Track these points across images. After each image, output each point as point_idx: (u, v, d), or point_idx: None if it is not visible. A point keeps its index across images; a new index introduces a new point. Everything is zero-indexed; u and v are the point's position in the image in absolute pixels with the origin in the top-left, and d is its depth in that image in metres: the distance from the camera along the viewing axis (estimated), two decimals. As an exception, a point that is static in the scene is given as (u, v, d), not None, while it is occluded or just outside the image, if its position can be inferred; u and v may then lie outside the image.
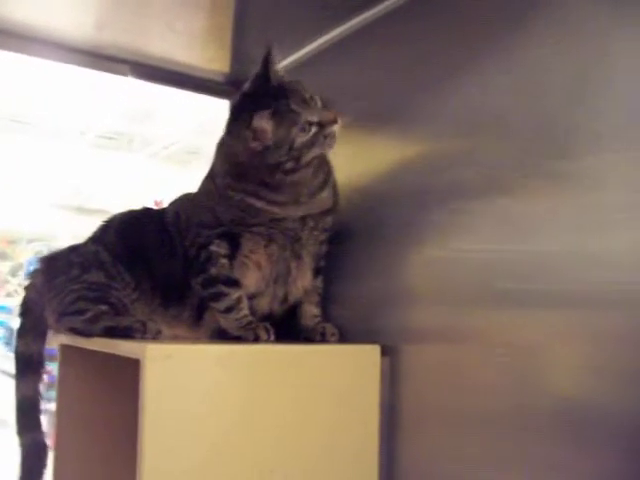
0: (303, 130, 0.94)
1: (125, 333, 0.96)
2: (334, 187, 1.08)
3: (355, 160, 1.17)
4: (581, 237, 0.77)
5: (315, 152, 0.96)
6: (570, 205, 0.79)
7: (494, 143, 0.90)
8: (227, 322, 1.02)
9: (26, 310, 1.13)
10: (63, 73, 4.23)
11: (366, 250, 1.11)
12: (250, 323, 1.02)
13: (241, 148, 0.96)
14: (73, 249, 1.12)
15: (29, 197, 6.51)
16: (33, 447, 1.09)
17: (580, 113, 0.79)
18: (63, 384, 1.17)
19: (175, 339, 1.05)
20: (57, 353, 1.17)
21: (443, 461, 0.94)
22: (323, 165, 1.04)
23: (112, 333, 0.98)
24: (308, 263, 1.08)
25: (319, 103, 0.98)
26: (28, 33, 1.29)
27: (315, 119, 0.95)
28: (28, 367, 1.12)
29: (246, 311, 1.03)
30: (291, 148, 0.94)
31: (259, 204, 1.00)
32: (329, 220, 1.07)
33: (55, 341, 1.15)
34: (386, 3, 1.11)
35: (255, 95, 0.99)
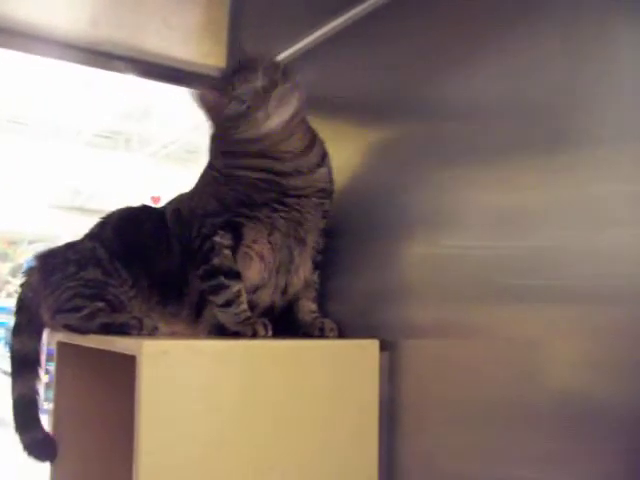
0: (232, 103, 1.00)
1: (121, 330, 0.96)
2: (331, 171, 1.09)
3: (353, 153, 1.17)
4: (580, 231, 0.76)
5: (242, 129, 1.00)
6: (568, 199, 0.78)
7: (493, 136, 0.89)
8: (225, 317, 1.02)
9: (22, 308, 1.12)
10: (60, 73, 4.23)
11: (365, 245, 1.11)
12: (248, 318, 1.01)
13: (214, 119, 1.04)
14: (69, 246, 1.11)
15: (30, 198, 6.53)
16: (33, 445, 1.09)
17: (577, 105, 0.78)
18: (60, 381, 1.16)
19: (173, 336, 1.05)
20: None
21: (443, 455, 0.93)
22: (316, 143, 1.07)
23: (108, 330, 0.97)
24: (310, 250, 1.08)
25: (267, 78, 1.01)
26: (22, 30, 1.29)
27: (243, 96, 0.99)
28: (24, 365, 1.11)
29: (245, 306, 1.02)
30: (223, 117, 1.01)
31: (258, 175, 1.01)
32: (327, 203, 1.07)
33: (53, 340, 1.15)
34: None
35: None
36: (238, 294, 1.01)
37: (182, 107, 4.48)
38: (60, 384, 1.17)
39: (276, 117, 0.99)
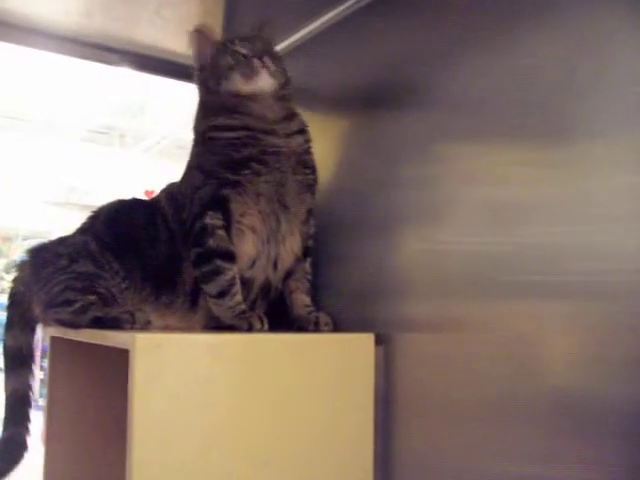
0: (228, 55, 1.06)
1: (113, 324, 0.95)
2: (311, 146, 1.11)
3: (347, 147, 1.16)
4: (575, 227, 0.76)
5: (233, 78, 1.05)
6: (563, 194, 0.78)
7: (487, 131, 0.89)
8: (220, 310, 1.01)
9: (14, 303, 1.12)
10: (54, 69, 4.21)
11: (360, 238, 1.10)
12: (244, 312, 1.01)
13: (200, 90, 1.11)
14: (61, 241, 1.10)
15: (24, 194, 6.50)
16: (10, 441, 1.08)
17: (571, 100, 0.77)
18: (54, 376, 1.16)
19: (166, 329, 1.04)
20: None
21: (439, 450, 0.93)
22: (296, 117, 1.10)
23: (100, 324, 0.96)
24: (296, 221, 1.08)
25: (261, 47, 1.08)
26: (15, 21, 1.27)
27: (242, 50, 1.06)
28: (17, 361, 1.11)
29: (239, 297, 1.01)
30: (215, 67, 1.07)
31: (236, 134, 1.04)
32: (311, 179, 1.09)
33: (47, 336, 1.14)
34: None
35: None
36: (232, 282, 1.01)
37: (176, 103, 4.46)
38: (53, 379, 1.16)
39: (263, 78, 1.05)
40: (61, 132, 5.81)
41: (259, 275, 1.06)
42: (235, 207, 1.02)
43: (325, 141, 1.12)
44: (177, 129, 5.21)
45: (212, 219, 1.01)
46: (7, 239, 7.33)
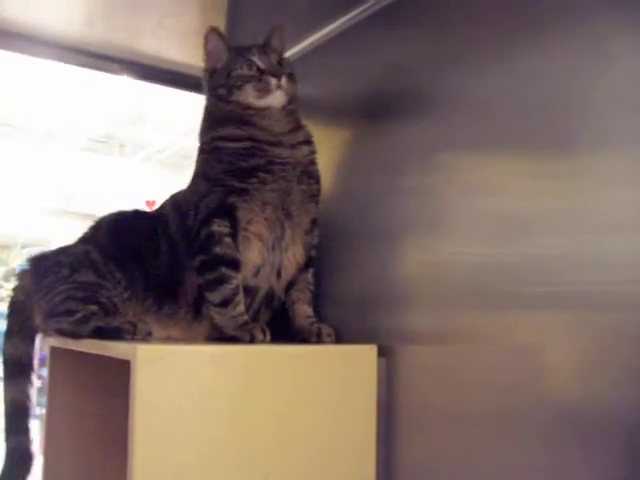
0: (244, 65, 1.05)
1: (114, 334, 0.94)
2: (315, 157, 1.11)
3: (350, 157, 1.16)
4: (579, 238, 0.76)
5: (247, 92, 1.04)
6: (567, 205, 0.77)
7: (492, 141, 0.88)
8: (223, 319, 1.00)
9: (14, 311, 1.11)
10: (54, 77, 4.21)
11: (362, 249, 1.10)
12: (246, 323, 1.00)
13: (208, 95, 1.11)
14: (62, 250, 1.10)
15: (23, 202, 6.50)
16: (16, 451, 1.07)
17: (576, 111, 0.77)
18: (53, 386, 1.15)
19: (168, 340, 1.03)
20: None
21: (441, 462, 0.92)
22: (302, 128, 1.11)
23: (101, 334, 0.95)
24: (300, 230, 1.07)
25: (276, 60, 1.08)
26: (17, 30, 1.28)
27: (259, 63, 1.05)
28: (16, 370, 1.10)
29: (242, 308, 1.01)
30: (229, 76, 1.05)
31: (242, 144, 1.03)
32: (315, 189, 1.09)
33: (46, 346, 1.13)
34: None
35: None
36: (236, 291, 1.00)
37: (176, 112, 4.47)
38: (53, 389, 1.15)
39: (276, 97, 1.05)
40: (61, 140, 5.81)
41: (263, 283, 1.06)
42: (242, 215, 1.02)
43: (326, 151, 1.12)
44: (177, 138, 5.21)
45: (219, 226, 1.01)
46: (6, 247, 7.31)
